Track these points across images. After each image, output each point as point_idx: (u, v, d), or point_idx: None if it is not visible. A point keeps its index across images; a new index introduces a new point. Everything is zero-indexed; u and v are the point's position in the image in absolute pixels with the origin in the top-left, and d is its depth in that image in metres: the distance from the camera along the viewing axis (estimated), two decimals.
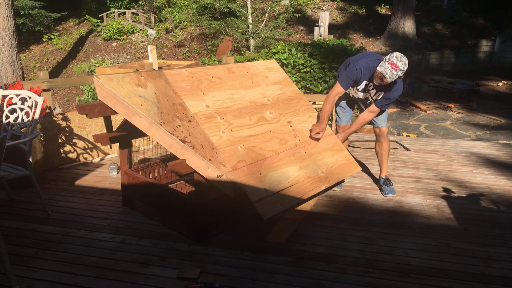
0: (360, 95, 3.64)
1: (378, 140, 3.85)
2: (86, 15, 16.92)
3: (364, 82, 3.52)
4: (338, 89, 3.54)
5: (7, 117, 3.37)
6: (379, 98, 3.54)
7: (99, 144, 4.68)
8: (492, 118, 8.30)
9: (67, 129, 4.44)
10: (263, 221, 2.66)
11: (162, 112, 2.81)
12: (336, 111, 3.97)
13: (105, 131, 3.52)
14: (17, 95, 3.39)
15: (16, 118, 3.37)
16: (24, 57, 14.59)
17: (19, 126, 3.37)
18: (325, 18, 11.62)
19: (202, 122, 2.69)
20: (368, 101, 3.66)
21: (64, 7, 16.27)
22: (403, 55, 3.26)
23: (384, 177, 3.90)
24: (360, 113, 3.84)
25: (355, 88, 3.62)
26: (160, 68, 7.61)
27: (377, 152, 3.92)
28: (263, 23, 12.95)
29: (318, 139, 3.28)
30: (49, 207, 3.35)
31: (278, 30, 13.76)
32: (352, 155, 3.77)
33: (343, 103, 3.90)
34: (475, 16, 14.50)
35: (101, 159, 4.72)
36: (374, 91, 3.53)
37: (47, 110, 4.32)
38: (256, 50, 12.02)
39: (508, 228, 3.20)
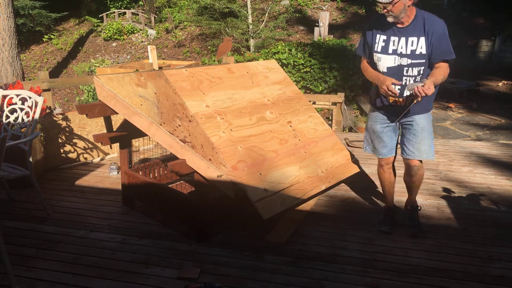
0: (387, 61, 2.74)
1: (408, 172, 3.06)
2: (86, 15, 16.92)
3: (381, 38, 2.74)
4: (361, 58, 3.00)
5: (7, 117, 3.37)
6: (422, 50, 2.65)
7: (99, 144, 4.68)
8: (492, 118, 8.30)
9: (67, 129, 4.44)
10: (263, 221, 2.66)
11: (162, 112, 2.81)
12: (371, 139, 3.13)
13: (105, 131, 3.52)
14: (17, 95, 3.39)
15: (16, 118, 3.37)
16: (24, 57, 14.59)
17: (19, 126, 3.37)
18: (325, 18, 11.61)
19: (202, 122, 2.69)
20: (406, 69, 2.72)
21: (64, 7, 16.27)
22: None
23: (409, 206, 3.18)
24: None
25: (376, 55, 2.79)
26: (160, 68, 7.60)
27: (404, 181, 3.18)
28: (263, 23, 12.95)
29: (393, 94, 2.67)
30: (49, 207, 3.35)
31: (278, 30, 13.75)
32: (352, 155, 3.77)
33: (379, 129, 3.03)
34: (475, 16, 14.49)
35: (101, 159, 4.72)
36: (403, 41, 2.67)
37: (47, 110, 4.32)
38: (256, 50, 12.02)
39: (508, 228, 3.19)
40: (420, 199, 3.70)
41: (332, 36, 11.89)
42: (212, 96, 2.92)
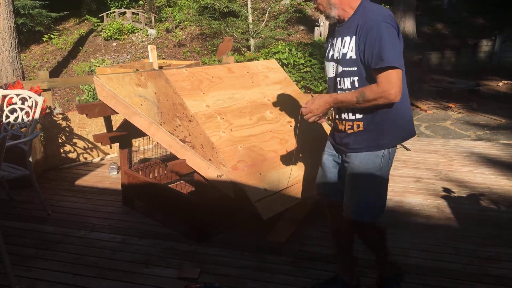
0: (328, 69, 2.13)
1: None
2: (86, 15, 16.93)
3: (329, 41, 2.15)
4: None
5: (7, 116, 3.37)
6: (353, 53, 1.95)
7: (99, 144, 4.68)
8: (492, 118, 8.30)
9: (67, 129, 4.44)
10: (263, 221, 2.66)
11: (162, 112, 2.80)
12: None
13: (105, 131, 3.52)
14: (17, 95, 3.39)
15: (16, 118, 3.37)
16: (24, 57, 14.59)
17: (19, 126, 3.37)
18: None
19: (202, 122, 2.69)
20: (339, 79, 2.04)
21: (64, 7, 16.28)
22: None
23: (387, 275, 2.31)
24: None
25: (326, 65, 2.17)
26: (160, 68, 7.60)
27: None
28: (263, 23, 12.95)
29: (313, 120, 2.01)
30: (49, 207, 3.35)
31: (279, 30, 13.75)
32: None
33: (324, 157, 2.27)
34: (475, 16, 14.49)
35: (101, 159, 4.72)
36: (339, 42, 2.03)
37: (47, 110, 4.32)
38: (256, 50, 12.02)
39: (508, 228, 3.19)
40: (420, 199, 3.70)
41: None
42: (212, 96, 2.92)
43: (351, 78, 1.98)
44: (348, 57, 1.97)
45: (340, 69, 2.01)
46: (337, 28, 2.06)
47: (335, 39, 2.05)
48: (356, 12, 1.97)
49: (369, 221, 2.06)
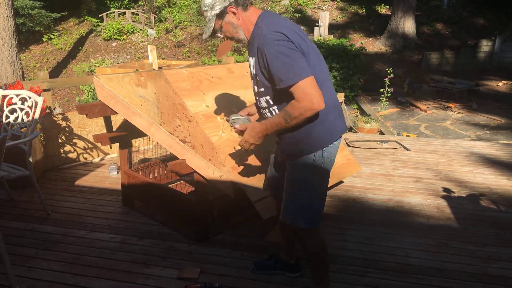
0: (252, 88, 2.10)
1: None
2: (86, 15, 16.93)
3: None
4: None
5: (7, 117, 3.37)
6: (258, 73, 1.95)
7: (99, 144, 4.68)
8: (492, 118, 8.30)
9: (67, 129, 4.44)
10: (263, 221, 2.66)
11: (162, 112, 2.81)
12: None
13: (105, 131, 3.52)
14: (17, 95, 3.39)
15: (16, 118, 3.37)
16: (24, 57, 14.59)
17: (19, 126, 3.37)
18: (325, 18, 11.60)
19: (202, 122, 2.69)
20: (257, 98, 2.06)
21: (64, 7, 16.29)
22: None
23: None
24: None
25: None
26: (160, 68, 7.60)
27: None
28: None
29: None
30: (49, 207, 3.34)
31: None
32: (352, 156, 3.76)
33: (272, 154, 2.41)
34: (475, 16, 14.49)
35: (101, 159, 4.72)
36: (251, 62, 2.02)
37: (47, 110, 4.32)
38: None
39: (508, 228, 3.20)
40: (420, 199, 3.71)
41: (332, 36, 11.88)
42: (212, 96, 2.92)
43: (264, 97, 1.99)
44: (257, 78, 1.96)
45: (256, 89, 2.03)
46: (248, 46, 2.02)
47: (249, 58, 2.03)
48: (254, 30, 1.94)
49: (302, 227, 2.04)
